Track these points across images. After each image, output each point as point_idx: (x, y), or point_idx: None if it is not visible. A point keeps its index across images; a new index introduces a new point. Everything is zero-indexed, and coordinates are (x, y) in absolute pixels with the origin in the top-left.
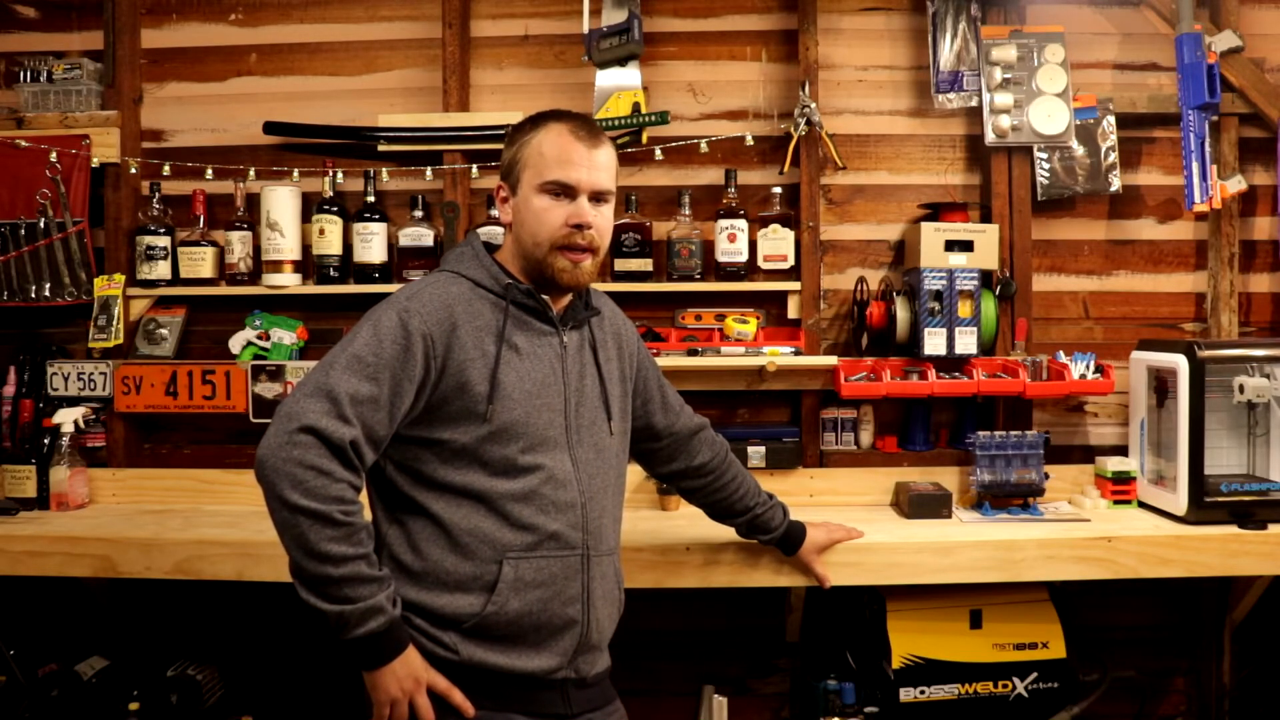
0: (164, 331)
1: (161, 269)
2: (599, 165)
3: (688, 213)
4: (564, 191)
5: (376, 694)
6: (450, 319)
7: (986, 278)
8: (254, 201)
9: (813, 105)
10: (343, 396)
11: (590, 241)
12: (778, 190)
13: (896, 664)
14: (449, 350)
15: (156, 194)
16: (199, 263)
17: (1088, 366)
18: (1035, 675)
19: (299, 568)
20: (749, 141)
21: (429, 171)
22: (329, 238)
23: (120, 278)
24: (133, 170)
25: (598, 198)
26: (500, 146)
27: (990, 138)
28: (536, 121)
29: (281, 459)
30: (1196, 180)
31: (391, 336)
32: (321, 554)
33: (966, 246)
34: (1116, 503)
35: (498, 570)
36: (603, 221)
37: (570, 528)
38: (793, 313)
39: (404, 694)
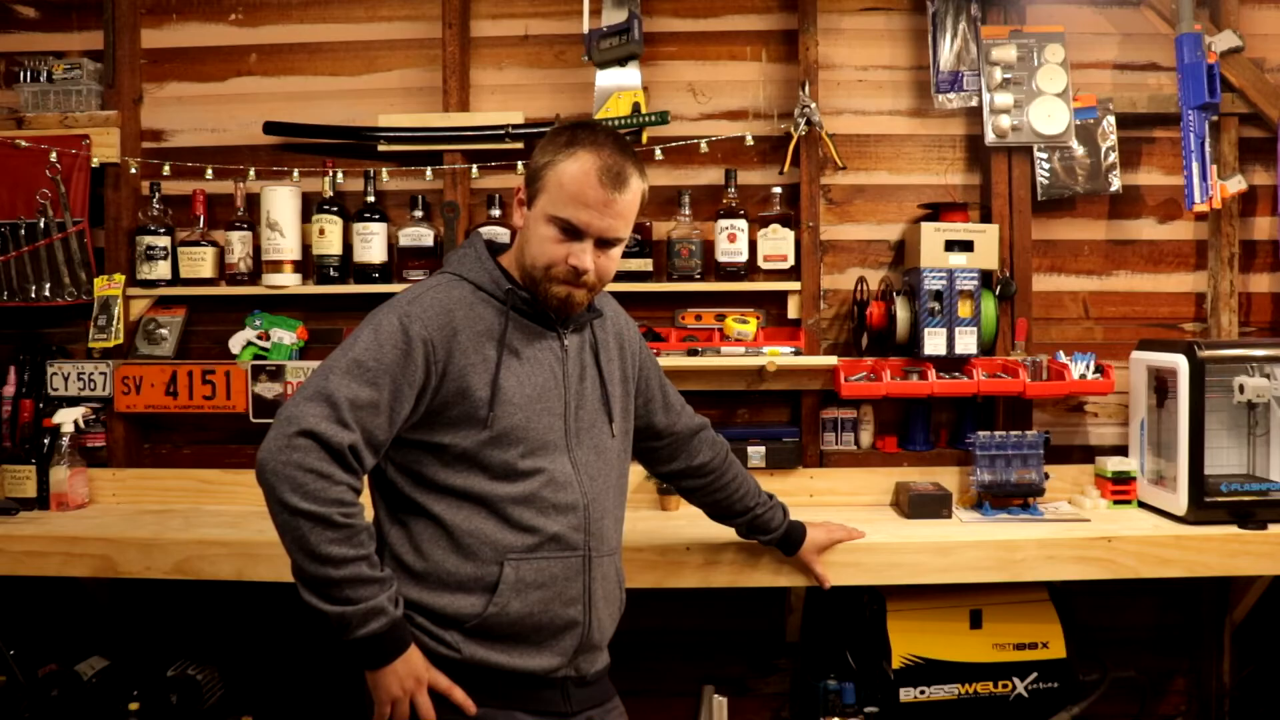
0: (164, 331)
1: (161, 269)
2: (615, 212)
3: (688, 213)
4: (571, 232)
5: (378, 693)
6: (451, 324)
7: (986, 278)
8: (254, 201)
9: (813, 105)
10: (342, 401)
11: (588, 282)
12: (778, 190)
13: (896, 664)
14: (450, 356)
15: (156, 194)
16: (199, 263)
17: (1088, 366)
18: (1035, 675)
19: (300, 570)
20: (749, 141)
21: (429, 171)
22: (329, 238)
23: (120, 278)
24: (133, 170)
25: (607, 241)
26: (500, 146)
27: (990, 138)
28: (572, 141)
29: (281, 462)
30: (1196, 180)
31: (392, 341)
32: (322, 556)
33: (966, 246)
34: (1116, 503)
35: (499, 571)
36: (606, 263)
37: (572, 529)
38: (793, 313)
39: (405, 693)
